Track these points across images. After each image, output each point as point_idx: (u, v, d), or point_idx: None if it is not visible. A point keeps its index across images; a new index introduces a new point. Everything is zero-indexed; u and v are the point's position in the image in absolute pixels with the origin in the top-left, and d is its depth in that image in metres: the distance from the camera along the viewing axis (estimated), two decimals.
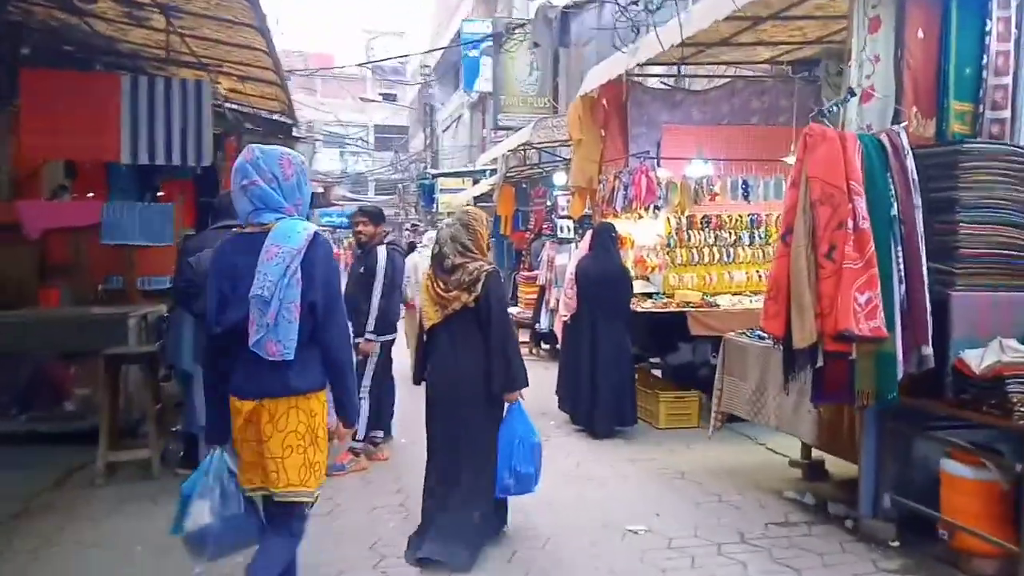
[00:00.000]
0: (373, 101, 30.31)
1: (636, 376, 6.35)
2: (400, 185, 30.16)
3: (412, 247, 9.26)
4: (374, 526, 4.11)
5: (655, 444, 5.80)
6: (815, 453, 4.77)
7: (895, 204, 3.50)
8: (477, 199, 15.26)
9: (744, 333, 5.10)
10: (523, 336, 9.48)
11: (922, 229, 3.51)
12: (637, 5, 7.46)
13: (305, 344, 2.54)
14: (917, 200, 3.52)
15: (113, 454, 4.86)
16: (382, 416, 5.55)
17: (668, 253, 7.00)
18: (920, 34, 3.83)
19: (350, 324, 3.52)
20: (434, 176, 21.73)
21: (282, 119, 8.50)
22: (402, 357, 6.96)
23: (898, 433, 3.79)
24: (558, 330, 7.21)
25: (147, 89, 5.47)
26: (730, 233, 7.07)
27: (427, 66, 26.45)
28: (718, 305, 6.49)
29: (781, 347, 3.73)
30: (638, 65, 6.58)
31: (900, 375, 3.43)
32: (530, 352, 9.98)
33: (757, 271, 7.07)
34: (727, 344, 5.15)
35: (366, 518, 4.22)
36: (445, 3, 25.20)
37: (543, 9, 10.08)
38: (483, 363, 3.60)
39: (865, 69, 3.85)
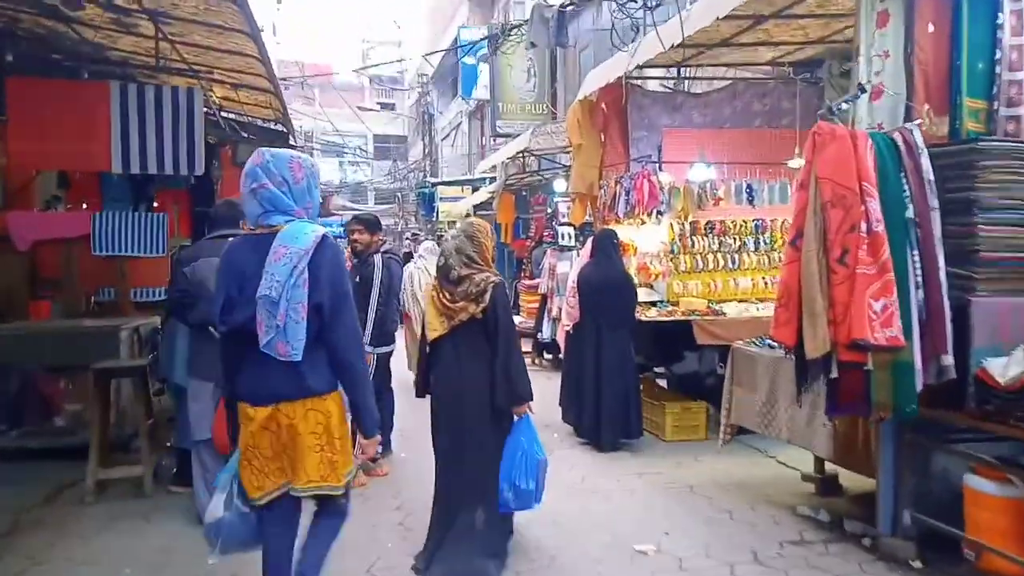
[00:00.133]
0: (371, 111, 30.29)
1: (641, 387, 6.22)
2: (399, 194, 30.15)
3: (409, 257, 9.13)
4: (373, 545, 3.97)
5: (661, 457, 5.65)
6: (828, 466, 4.61)
7: (911, 206, 3.36)
8: (477, 207, 15.17)
9: (752, 342, 4.94)
10: (526, 346, 9.36)
11: (940, 231, 3.36)
12: (636, 2, 7.35)
13: (313, 345, 2.55)
14: (934, 201, 3.37)
15: (104, 471, 4.77)
16: (381, 430, 5.39)
17: (672, 260, 6.88)
18: (931, 28, 3.69)
19: None
20: (433, 185, 21.67)
21: (278, 127, 8.40)
22: (401, 369, 6.84)
23: (917, 446, 3.62)
24: (561, 339, 7.08)
25: (137, 97, 5.38)
26: (735, 239, 6.94)
27: (425, 74, 26.43)
28: (724, 313, 6.35)
29: (793, 356, 3.59)
30: (637, 67, 6.48)
31: (919, 386, 3.27)
32: (532, 362, 9.85)
33: (763, 277, 6.95)
34: (735, 354, 5.00)
35: (365, 536, 4.07)
36: (442, 12, 25.21)
37: (539, 8, 10.00)
38: (489, 375, 3.57)
39: (874, 65, 3.73)
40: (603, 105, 7.22)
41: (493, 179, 14.50)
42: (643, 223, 6.74)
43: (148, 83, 5.84)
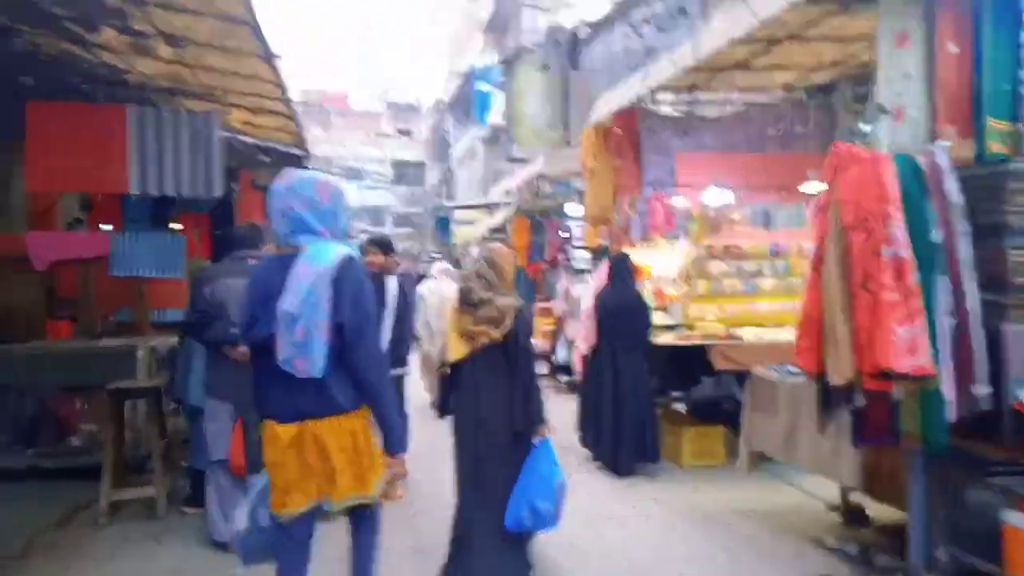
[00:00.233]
0: (388, 136, 30.70)
1: (658, 411, 6.13)
2: (416, 218, 30.40)
3: (420, 278, 9.13)
4: (387, 571, 3.89)
5: (679, 483, 5.56)
6: (853, 495, 4.48)
7: (938, 230, 3.28)
8: (492, 231, 15.22)
9: (773, 368, 4.86)
10: (542, 368, 9.32)
11: (970, 256, 3.26)
12: (649, 24, 7.38)
13: (338, 363, 2.58)
14: (962, 225, 3.28)
15: (117, 492, 4.76)
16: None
17: (688, 283, 6.81)
18: (952, 49, 3.65)
19: None
20: (450, 209, 21.81)
21: (295, 151, 8.46)
22: (416, 392, 6.80)
23: (951, 478, 3.46)
24: (577, 363, 7.02)
25: (154, 120, 5.44)
26: (751, 263, 6.87)
27: (441, 101, 26.74)
28: (742, 338, 6.27)
29: (816, 383, 3.50)
30: (650, 91, 6.47)
31: (951, 418, 3.14)
32: (548, 384, 9.79)
33: (781, 302, 6.85)
34: (755, 380, 4.91)
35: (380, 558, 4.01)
36: (457, 42, 25.54)
37: (553, 31, 10.12)
38: (509, 398, 3.59)
39: (895, 87, 3.68)
40: (616, 129, 7.23)
41: (508, 203, 14.55)
42: (658, 247, 6.70)
43: (165, 106, 5.91)
